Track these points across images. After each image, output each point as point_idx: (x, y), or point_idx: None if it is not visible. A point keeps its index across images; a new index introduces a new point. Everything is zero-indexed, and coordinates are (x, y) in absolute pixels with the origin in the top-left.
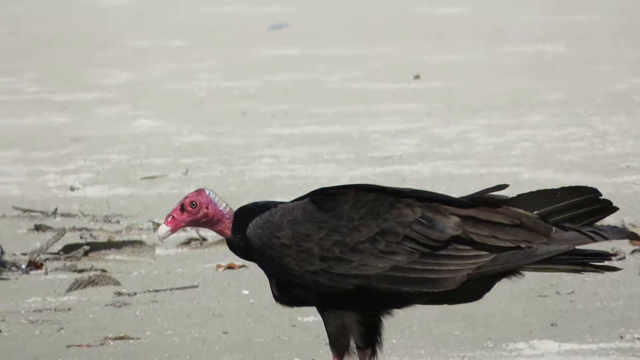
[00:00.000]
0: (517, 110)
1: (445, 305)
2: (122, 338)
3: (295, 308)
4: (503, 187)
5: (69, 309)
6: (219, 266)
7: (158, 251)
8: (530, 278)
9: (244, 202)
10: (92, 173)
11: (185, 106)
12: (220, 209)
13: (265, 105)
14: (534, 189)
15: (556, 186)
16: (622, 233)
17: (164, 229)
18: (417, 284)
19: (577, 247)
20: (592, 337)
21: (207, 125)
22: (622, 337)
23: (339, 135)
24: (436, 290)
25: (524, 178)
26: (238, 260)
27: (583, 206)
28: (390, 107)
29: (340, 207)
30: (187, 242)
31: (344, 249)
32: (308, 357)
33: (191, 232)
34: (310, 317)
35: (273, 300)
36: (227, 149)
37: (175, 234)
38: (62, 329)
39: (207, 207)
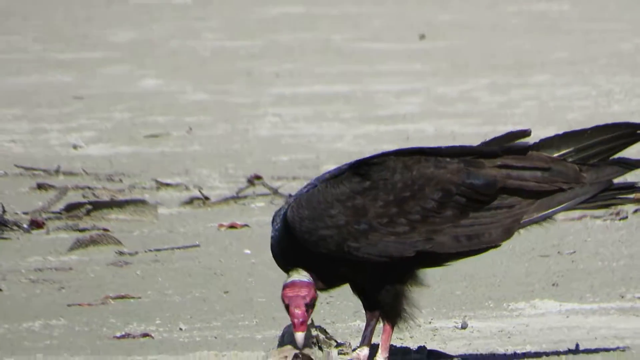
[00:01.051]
0: (521, 69)
1: (447, 266)
2: (123, 297)
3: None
4: (527, 132)
5: (70, 268)
6: (220, 226)
7: (160, 210)
8: (532, 238)
9: (248, 160)
10: (95, 131)
11: (189, 65)
12: (313, 281)
13: (270, 65)
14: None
15: None
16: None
17: (302, 335)
18: (476, 239)
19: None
20: (593, 296)
21: (211, 84)
22: (622, 297)
23: (343, 94)
24: (496, 245)
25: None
26: (240, 220)
27: (609, 142)
28: (395, 67)
29: (389, 175)
30: (190, 201)
31: (404, 217)
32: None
33: (194, 191)
34: None
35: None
36: (231, 108)
37: (177, 193)
38: (63, 288)
39: (313, 292)
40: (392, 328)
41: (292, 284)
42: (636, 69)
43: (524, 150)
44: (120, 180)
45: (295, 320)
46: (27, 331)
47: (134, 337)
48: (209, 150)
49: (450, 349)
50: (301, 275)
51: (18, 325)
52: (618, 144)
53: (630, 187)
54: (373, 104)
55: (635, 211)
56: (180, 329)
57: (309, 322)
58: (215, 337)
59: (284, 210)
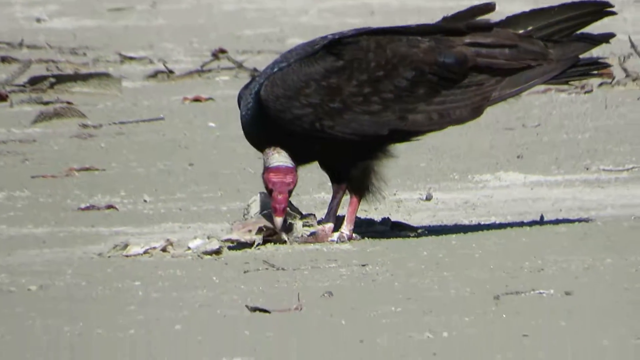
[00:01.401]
0: None
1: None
2: (87, 169)
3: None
4: (490, 6)
5: (34, 141)
6: (185, 99)
7: (124, 84)
8: (497, 111)
9: (212, 35)
10: (58, 5)
11: None
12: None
13: None
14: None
15: (524, 6)
16: (607, 36)
17: (281, 220)
18: (447, 117)
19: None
20: (558, 169)
21: None
22: (587, 169)
23: None
24: (467, 120)
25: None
26: (205, 93)
27: (574, 19)
28: None
29: (363, 54)
30: (154, 75)
31: (378, 96)
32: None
33: (158, 65)
34: None
35: (239, 132)
36: None
37: (141, 67)
38: (27, 160)
39: (294, 177)
40: (359, 201)
41: (277, 169)
42: None
43: (489, 27)
44: (84, 54)
45: (277, 206)
46: None
47: (98, 208)
48: (174, 24)
49: (414, 220)
50: (284, 159)
51: None
52: (583, 21)
53: (595, 63)
54: None
55: (601, 84)
56: (145, 200)
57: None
58: (180, 209)
59: (254, 88)
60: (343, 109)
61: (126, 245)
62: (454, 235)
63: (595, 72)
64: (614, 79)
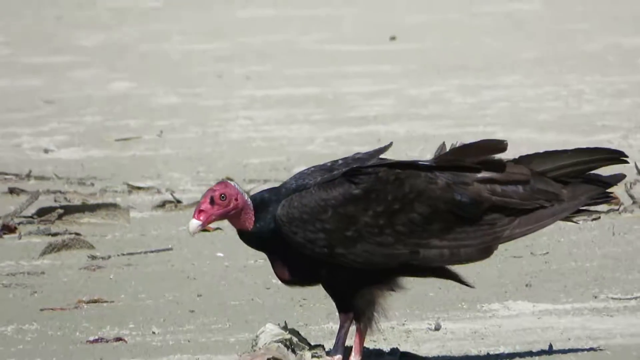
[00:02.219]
0: (491, 70)
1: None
2: (95, 301)
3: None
4: (503, 143)
5: (43, 273)
6: None
7: (132, 214)
8: None
9: (219, 164)
10: (66, 135)
11: (160, 68)
12: (246, 199)
13: (240, 67)
14: (509, 149)
15: (531, 146)
16: (617, 178)
17: (195, 223)
18: (457, 255)
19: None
20: (567, 297)
21: (181, 87)
22: (596, 297)
23: (314, 96)
24: (475, 261)
25: (498, 137)
26: (213, 223)
27: (589, 163)
28: (365, 69)
29: (381, 186)
30: (162, 204)
31: (393, 229)
32: (282, 319)
33: (166, 195)
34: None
35: (247, 262)
36: (202, 111)
37: (149, 197)
38: (36, 292)
39: (236, 199)
40: (365, 331)
41: (221, 182)
42: (606, 69)
43: (503, 164)
44: (92, 184)
45: (197, 207)
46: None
47: (107, 341)
48: (181, 154)
49: (423, 350)
50: (241, 188)
51: None
52: (595, 166)
53: (603, 198)
54: (344, 106)
55: (608, 211)
56: (154, 332)
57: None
58: (189, 341)
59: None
60: (357, 238)
61: None
62: None
63: (600, 203)
64: (621, 205)
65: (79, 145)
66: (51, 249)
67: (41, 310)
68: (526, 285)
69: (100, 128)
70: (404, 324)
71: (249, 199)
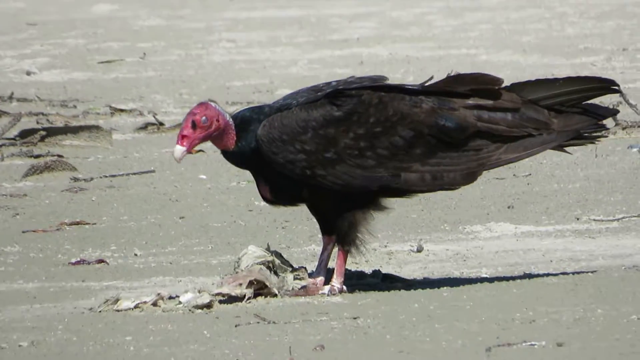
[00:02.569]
0: None
1: (406, 198)
2: (78, 223)
3: (253, 196)
4: (500, 81)
5: (25, 195)
6: None
7: (115, 136)
8: None
9: (202, 87)
10: (48, 58)
11: None
12: (228, 119)
13: None
14: (492, 71)
15: (514, 68)
16: (611, 111)
17: (179, 150)
18: (440, 180)
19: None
20: (549, 219)
21: (165, 9)
22: (578, 219)
23: (297, 18)
24: (460, 186)
25: (481, 60)
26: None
27: (579, 92)
28: None
29: (364, 109)
30: (144, 127)
31: (374, 151)
32: (264, 241)
33: (148, 117)
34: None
35: (230, 185)
36: (185, 33)
37: (131, 119)
38: (18, 214)
39: (218, 120)
40: (347, 253)
41: (201, 103)
42: None
43: (493, 92)
44: (74, 106)
45: (179, 132)
46: None
47: (89, 263)
48: (163, 76)
49: (405, 272)
50: (218, 106)
51: None
52: (587, 95)
53: (596, 131)
54: (327, 28)
55: None
56: (136, 254)
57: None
58: (171, 263)
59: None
60: (337, 160)
61: (117, 300)
62: (445, 287)
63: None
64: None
65: (61, 67)
66: (33, 171)
67: (23, 232)
68: (508, 207)
69: (83, 51)
70: (386, 246)
71: (230, 119)
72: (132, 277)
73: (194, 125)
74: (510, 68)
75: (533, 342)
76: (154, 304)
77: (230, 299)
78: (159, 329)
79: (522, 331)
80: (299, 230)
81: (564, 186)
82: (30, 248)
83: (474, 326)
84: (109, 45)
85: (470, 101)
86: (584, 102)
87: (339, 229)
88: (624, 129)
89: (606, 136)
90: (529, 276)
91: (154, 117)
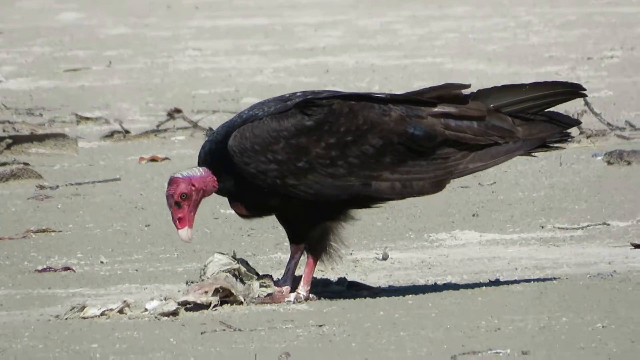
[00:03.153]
0: (440, 1)
1: (375, 207)
2: (44, 231)
3: (218, 201)
4: (466, 86)
5: None
6: (141, 159)
7: (81, 144)
8: None
9: (168, 94)
10: (15, 66)
11: None
12: (199, 175)
13: None
14: (458, 80)
15: (480, 76)
16: (576, 121)
17: (183, 232)
18: (409, 188)
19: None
20: (514, 227)
21: (131, 17)
22: (542, 227)
23: (263, 27)
24: (428, 194)
25: (447, 68)
26: (161, 153)
27: (546, 97)
28: (313, 0)
29: (334, 118)
30: (110, 134)
31: (345, 160)
32: (230, 249)
33: (114, 125)
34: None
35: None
36: (151, 41)
37: (97, 127)
38: None
39: (193, 185)
40: (315, 262)
41: (170, 181)
42: (555, 0)
43: (460, 99)
44: (41, 115)
45: (172, 220)
46: None
47: (55, 270)
48: (129, 84)
49: (371, 279)
50: (184, 171)
51: None
52: (554, 100)
53: (561, 139)
54: (292, 37)
55: None
56: (102, 262)
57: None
58: (137, 270)
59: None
60: (308, 170)
61: (83, 307)
62: (410, 295)
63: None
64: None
65: (27, 75)
66: None
67: None
68: (473, 215)
69: (49, 59)
70: (351, 254)
71: (199, 170)
72: (98, 285)
73: (179, 205)
74: (476, 77)
75: (498, 350)
76: (120, 312)
77: (196, 307)
78: (125, 336)
79: (487, 339)
80: (264, 238)
81: (529, 194)
82: None
83: (439, 334)
84: (75, 54)
85: (437, 109)
86: (549, 109)
87: (310, 238)
88: (588, 137)
89: (569, 141)
90: (494, 284)
91: (120, 125)
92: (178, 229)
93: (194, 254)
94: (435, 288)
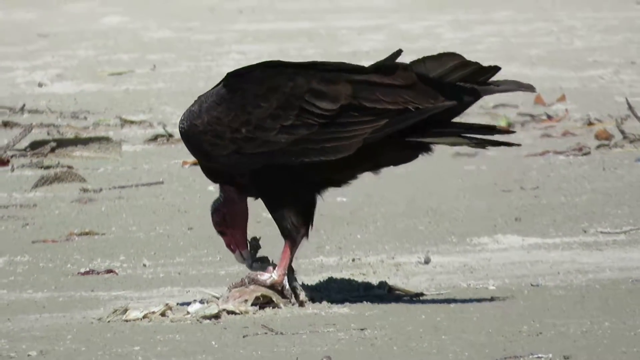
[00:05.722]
0: (483, 5)
1: (410, 201)
2: (87, 234)
3: (260, 205)
4: (399, 52)
5: (35, 205)
6: (184, 163)
7: (124, 147)
8: (495, 173)
9: None
10: (60, 69)
11: (153, 2)
12: (224, 195)
13: (232, 1)
14: None
15: (522, 80)
16: (515, 84)
17: (237, 257)
18: (315, 153)
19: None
20: (556, 231)
21: (174, 20)
22: (585, 232)
23: (306, 30)
24: (335, 158)
25: None
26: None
27: (463, 68)
28: (358, 3)
29: (246, 86)
30: (154, 138)
31: (249, 128)
32: (272, 252)
33: (158, 128)
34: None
35: None
36: (195, 45)
37: (141, 131)
38: (28, 224)
39: (227, 209)
40: (289, 245)
41: (213, 220)
42: (598, 5)
43: (395, 68)
44: (85, 118)
45: (228, 248)
46: None
47: (98, 273)
48: (173, 88)
49: (412, 283)
50: (215, 201)
51: None
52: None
53: (489, 129)
54: (336, 41)
55: (598, 146)
56: (144, 265)
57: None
58: (179, 273)
59: None
60: (222, 140)
61: (125, 310)
62: (452, 299)
63: (492, 139)
64: (612, 140)
65: (72, 79)
66: (43, 181)
67: (33, 242)
68: (516, 219)
69: (93, 62)
70: (393, 258)
71: (223, 193)
72: (140, 287)
73: (223, 233)
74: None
75: (540, 355)
76: (162, 314)
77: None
78: (167, 339)
79: (528, 343)
80: (305, 241)
81: (571, 199)
82: (39, 258)
83: (480, 338)
84: (119, 57)
85: (358, 77)
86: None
87: (274, 219)
88: (631, 142)
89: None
90: (536, 288)
91: (164, 128)
92: (234, 253)
93: None
94: (477, 292)
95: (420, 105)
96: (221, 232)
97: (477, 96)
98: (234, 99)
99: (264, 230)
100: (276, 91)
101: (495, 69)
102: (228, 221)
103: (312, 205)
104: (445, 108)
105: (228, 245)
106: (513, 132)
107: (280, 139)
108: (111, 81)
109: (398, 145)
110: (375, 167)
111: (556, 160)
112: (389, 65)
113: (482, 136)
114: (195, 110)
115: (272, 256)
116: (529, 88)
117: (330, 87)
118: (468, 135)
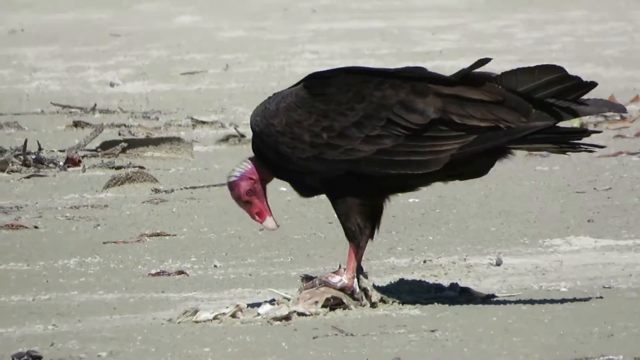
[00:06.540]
0: (557, 4)
1: (482, 202)
2: (158, 234)
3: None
4: (487, 60)
5: (106, 206)
6: None
7: (196, 148)
8: (568, 174)
9: None
10: (132, 69)
11: (225, 1)
12: (250, 167)
13: (306, 1)
14: None
15: (596, 80)
16: (606, 105)
17: (269, 222)
18: (401, 166)
19: (558, 125)
20: (629, 233)
21: (247, 20)
22: None
23: (379, 30)
24: (421, 172)
25: None
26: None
27: (559, 83)
28: (431, 3)
29: (329, 91)
30: (226, 138)
31: (332, 134)
32: (344, 254)
33: (230, 129)
34: None
35: (312, 198)
36: (268, 45)
37: (213, 131)
38: (99, 225)
39: (251, 179)
40: (354, 248)
41: (230, 186)
42: None
43: (483, 80)
44: (157, 118)
45: (251, 217)
46: (62, 268)
47: (168, 274)
48: (246, 88)
49: (484, 285)
50: (235, 171)
51: (54, 262)
52: (570, 88)
53: (580, 133)
54: (409, 41)
55: None
56: (215, 266)
57: None
58: (250, 275)
59: None
60: (302, 142)
61: (196, 311)
62: (523, 301)
63: (578, 142)
64: None
65: (144, 79)
66: (114, 182)
67: (104, 243)
68: (588, 221)
69: (165, 62)
70: (465, 259)
71: (247, 160)
72: (211, 289)
73: (250, 202)
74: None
75: (611, 357)
76: (233, 316)
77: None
78: (237, 341)
79: (600, 345)
80: (377, 242)
81: None
82: (110, 259)
83: (552, 340)
84: (192, 57)
85: (446, 90)
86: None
87: (339, 220)
88: None
89: (595, 146)
90: (608, 290)
91: (236, 129)
92: (261, 222)
93: (308, 258)
94: (548, 294)
95: (512, 125)
96: (248, 202)
97: (575, 116)
98: (316, 103)
99: (335, 231)
100: (363, 100)
101: (592, 86)
102: (257, 188)
103: (380, 209)
104: (538, 129)
105: (253, 215)
106: (599, 131)
107: (364, 148)
108: (183, 81)
109: (482, 156)
110: (455, 177)
111: (629, 161)
112: (475, 77)
113: (575, 140)
114: (271, 109)
115: (338, 253)
116: (621, 109)
117: (419, 99)
118: (559, 141)
